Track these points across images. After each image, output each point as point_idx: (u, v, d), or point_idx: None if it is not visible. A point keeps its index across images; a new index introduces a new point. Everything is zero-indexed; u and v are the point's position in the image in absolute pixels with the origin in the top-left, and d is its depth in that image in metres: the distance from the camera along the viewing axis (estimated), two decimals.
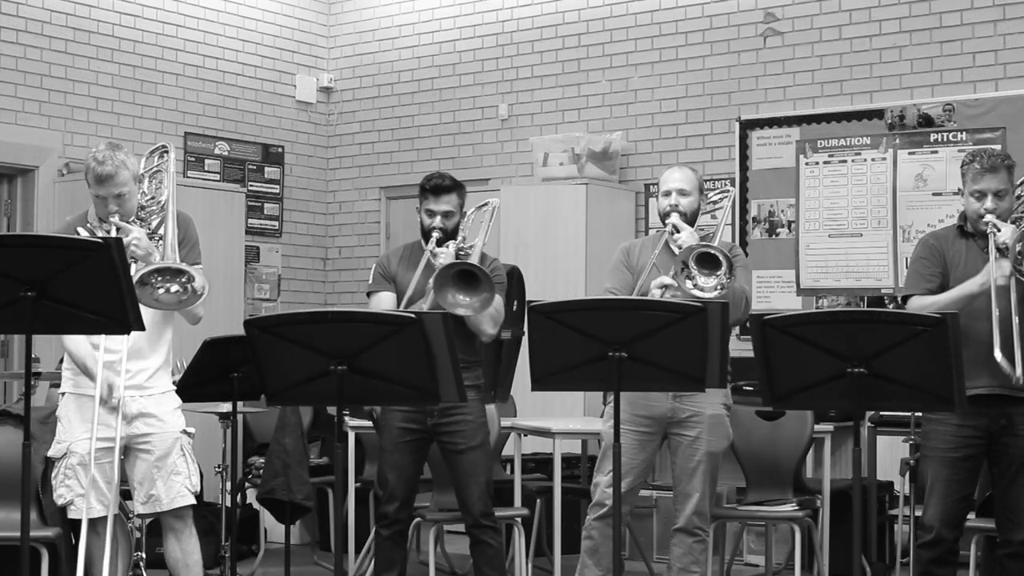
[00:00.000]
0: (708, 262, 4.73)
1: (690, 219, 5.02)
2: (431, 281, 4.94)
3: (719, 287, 4.69)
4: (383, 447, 5.27)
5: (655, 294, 4.82)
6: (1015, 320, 4.49)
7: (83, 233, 4.62)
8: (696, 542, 4.97)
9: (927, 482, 4.81)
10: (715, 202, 5.50)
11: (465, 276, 4.94)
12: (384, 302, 5.19)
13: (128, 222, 4.54)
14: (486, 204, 5.41)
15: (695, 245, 4.77)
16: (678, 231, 4.93)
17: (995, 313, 4.47)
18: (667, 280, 4.80)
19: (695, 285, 4.70)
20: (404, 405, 5.05)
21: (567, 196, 7.85)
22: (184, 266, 4.38)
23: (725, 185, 7.77)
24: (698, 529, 4.97)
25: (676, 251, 4.88)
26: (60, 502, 4.63)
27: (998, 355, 4.44)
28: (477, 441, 5.19)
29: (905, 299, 4.84)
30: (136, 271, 4.31)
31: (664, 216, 5.05)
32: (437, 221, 5.16)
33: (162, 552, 4.80)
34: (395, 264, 5.27)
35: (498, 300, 5.11)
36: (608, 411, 5.03)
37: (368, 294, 5.32)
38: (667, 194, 5.05)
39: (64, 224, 4.82)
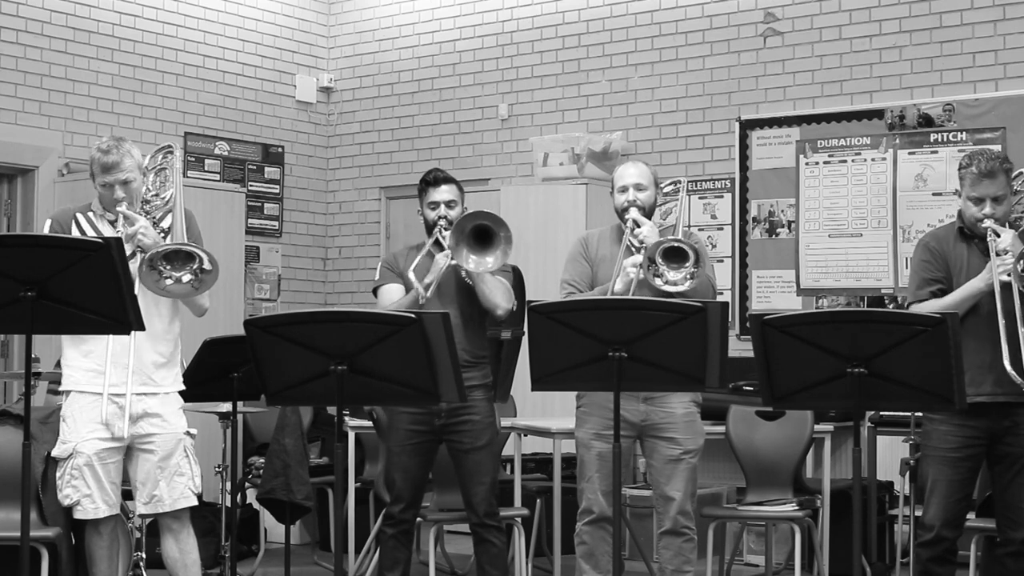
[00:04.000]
0: (675, 256, 4.72)
1: (648, 213, 5.01)
2: (448, 243, 5.00)
3: (688, 278, 4.68)
4: (390, 449, 5.27)
5: (629, 271, 4.80)
6: (1020, 328, 4.47)
7: (83, 221, 4.64)
8: (685, 541, 4.97)
9: (927, 482, 4.81)
10: (668, 193, 5.46)
11: (478, 236, 4.96)
12: (393, 293, 5.20)
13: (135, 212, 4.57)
14: None
15: (661, 240, 4.75)
16: (639, 226, 4.91)
17: (1001, 318, 4.45)
18: (640, 259, 4.77)
19: (665, 281, 4.69)
20: (404, 405, 5.06)
21: (567, 196, 7.85)
22: (194, 247, 4.39)
23: (725, 184, 7.81)
24: (685, 528, 4.97)
25: (638, 246, 4.86)
26: (66, 503, 4.62)
27: (1007, 366, 4.41)
28: (484, 441, 5.19)
29: (911, 305, 4.81)
30: (146, 254, 4.33)
31: (622, 212, 5.02)
32: (442, 210, 5.19)
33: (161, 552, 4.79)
34: (402, 261, 5.28)
35: (504, 280, 5.16)
36: (580, 414, 5.04)
37: (375, 290, 5.32)
38: (624, 190, 5.03)
39: (63, 210, 4.83)
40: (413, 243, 5.42)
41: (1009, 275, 4.48)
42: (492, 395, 5.36)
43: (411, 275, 5.03)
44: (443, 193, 5.22)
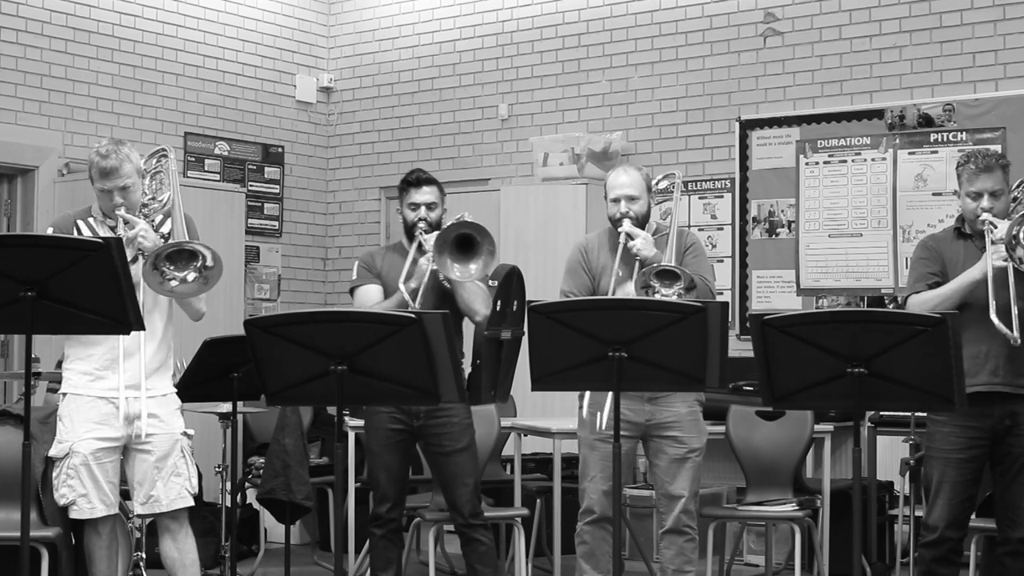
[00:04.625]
0: (667, 275, 4.75)
1: (641, 222, 5.02)
2: (427, 254, 4.98)
3: (679, 295, 4.71)
4: (372, 449, 5.27)
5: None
6: (1013, 296, 4.51)
7: (83, 228, 4.65)
8: (687, 541, 4.97)
9: (931, 482, 4.82)
10: (664, 190, 5.45)
11: (461, 244, 4.96)
12: (372, 294, 5.20)
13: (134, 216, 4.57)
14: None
15: (654, 266, 4.77)
16: (632, 238, 4.92)
17: (991, 296, 4.47)
18: (630, 289, 4.82)
19: (661, 296, 4.72)
20: (404, 405, 5.06)
21: (567, 196, 7.85)
22: (196, 244, 4.39)
23: (725, 184, 7.81)
24: (687, 527, 4.97)
25: (633, 255, 4.89)
26: (62, 502, 4.62)
27: (994, 318, 4.45)
28: (464, 443, 5.19)
29: (906, 300, 4.85)
30: (148, 256, 4.33)
31: (616, 223, 5.02)
32: (422, 212, 5.20)
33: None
34: (379, 261, 5.28)
35: (482, 285, 5.15)
36: (583, 415, 5.04)
37: (352, 290, 5.32)
38: (616, 201, 5.03)
39: (63, 216, 4.83)
40: (390, 243, 5.42)
41: (1005, 260, 4.51)
42: (471, 396, 5.33)
43: (402, 287, 5.04)
44: (424, 195, 5.22)
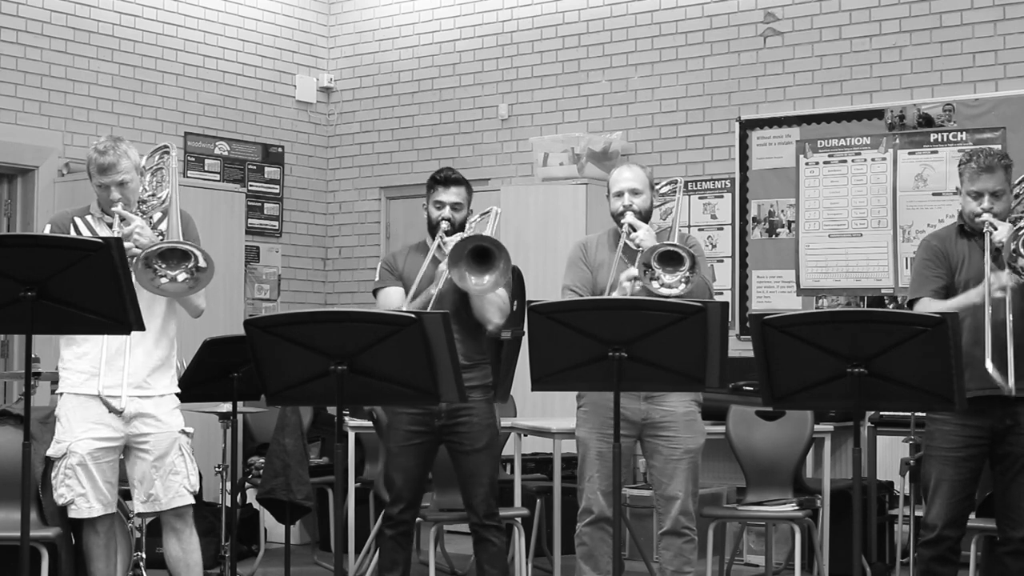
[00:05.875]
0: (670, 260, 4.70)
1: (644, 217, 4.99)
2: (446, 259, 4.95)
3: (684, 282, 4.66)
4: (390, 449, 5.26)
5: (625, 287, 4.82)
6: (1009, 331, 4.49)
7: (81, 225, 4.65)
8: (685, 542, 4.95)
9: (930, 481, 4.81)
10: (665, 194, 5.45)
11: (478, 255, 4.95)
12: (393, 297, 5.18)
13: (131, 213, 4.57)
14: (488, 211, 5.41)
15: (656, 245, 4.74)
16: (635, 230, 4.89)
17: (988, 325, 4.46)
18: (635, 272, 4.78)
19: (661, 284, 4.67)
20: (404, 406, 5.06)
21: (567, 196, 7.85)
22: (189, 245, 4.39)
23: (725, 184, 7.81)
24: (686, 529, 4.95)
25: (635, 249, 4.84)
26: (60, 502, 4.63)
27: (989, 366, 4.43)
28: (482, 443, 5.17)
29: (912, 303, 4.84)
30: (142, 252, 4.33)
31: (618, 216, 5.00)
32: (446, 211, 5.16)
33: (162, 552, 4.79)
34: (401, 261, 5.26)
35: (503, 292, 5.13)
36: (581, 414, 5.03)
37: (375, 292, 5.31)
38: (619, 194, 5.01)
39: (61, 214, 4.83)
40: (413, 242, 5.41)
41: (1003, 291, 4.50)
42: (492, 396, 5.34)
43: (411, 298, 5.03)
44: (451, 195, 5.19)
